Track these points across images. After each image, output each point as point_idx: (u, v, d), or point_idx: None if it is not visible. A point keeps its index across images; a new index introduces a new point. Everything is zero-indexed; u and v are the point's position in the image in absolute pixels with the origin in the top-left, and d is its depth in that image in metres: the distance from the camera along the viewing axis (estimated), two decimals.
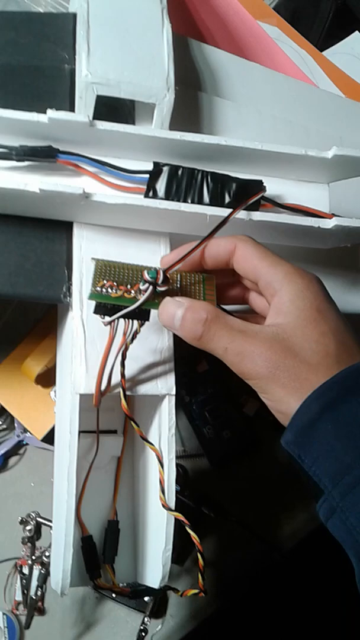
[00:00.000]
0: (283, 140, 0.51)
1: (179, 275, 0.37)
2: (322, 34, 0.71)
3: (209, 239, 0.37)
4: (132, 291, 0.35)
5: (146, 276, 0.35)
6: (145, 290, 0.35)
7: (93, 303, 0.36)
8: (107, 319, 0.36)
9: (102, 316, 0.36)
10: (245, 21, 0.67)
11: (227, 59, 0.55)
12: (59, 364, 0.47)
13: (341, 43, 0.70)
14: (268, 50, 0.66)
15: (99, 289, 0.35)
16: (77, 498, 0.39)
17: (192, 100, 0.50)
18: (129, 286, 0.35)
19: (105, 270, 0.36)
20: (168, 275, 0.36)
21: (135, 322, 0.37)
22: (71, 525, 0.38)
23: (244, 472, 0.63)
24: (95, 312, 0.36)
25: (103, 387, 0.38)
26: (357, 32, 0.71)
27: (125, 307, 0.35)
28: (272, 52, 0.66)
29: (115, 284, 0.35)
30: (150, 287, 0.35)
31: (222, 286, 0.40)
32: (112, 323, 0.36)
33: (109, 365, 0.38)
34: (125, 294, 0.35)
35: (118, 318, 0.36)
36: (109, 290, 0.35)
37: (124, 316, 0.36)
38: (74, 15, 0.47)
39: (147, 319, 0.37)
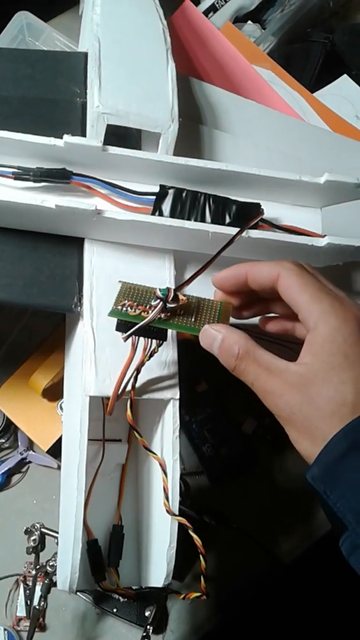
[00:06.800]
0: (278, 169, 0.54)
1: (196, 300, 0.39)
2: (312, 78, 0.76)
3: (215, 258, 0.40)
4: (150, 312, 0.38)
5: (158, 293, 0.37)
6: (156, 306, 0.37)
7: (113, 320, 0.38)
8: (124, 335, 0.38)
9: (123, 333, 0.39)
10: (241, 65, 0.72)
11: (225, 96, 0.59)
12: (67, 374, 0.49)
13: (331, 85, 0.75)
14: (262, 92, 0.70)
15: (119, 307, 0.38)
16: (85, 498, 0.41)
17: (193, 132, 0.54)
18: (148, 307, 0.38)
19: (129, 291, 0.39)
20: (179, 294, 0.38)
21: (154, 341, 0.40)
22: (80, 520, 0.39)
23: (242, 488, 0.64)
24: (117, 329, 0.39)
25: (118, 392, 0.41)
26: (345, 75, 0.76)
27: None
28: (265, 93, 0.70)
29: (135, 304, 0.38)
30: (161, 303, 0.37)
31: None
32: (133, 340, 0.39)
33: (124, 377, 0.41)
34: (143, 314, 0.38)
35: (132, 334, 0.38)
36: (128, 309, 0.38)
37: (140, 333, 0.38)
38: (85, 55, 0.52)
39: (165, 339, 0.39)
